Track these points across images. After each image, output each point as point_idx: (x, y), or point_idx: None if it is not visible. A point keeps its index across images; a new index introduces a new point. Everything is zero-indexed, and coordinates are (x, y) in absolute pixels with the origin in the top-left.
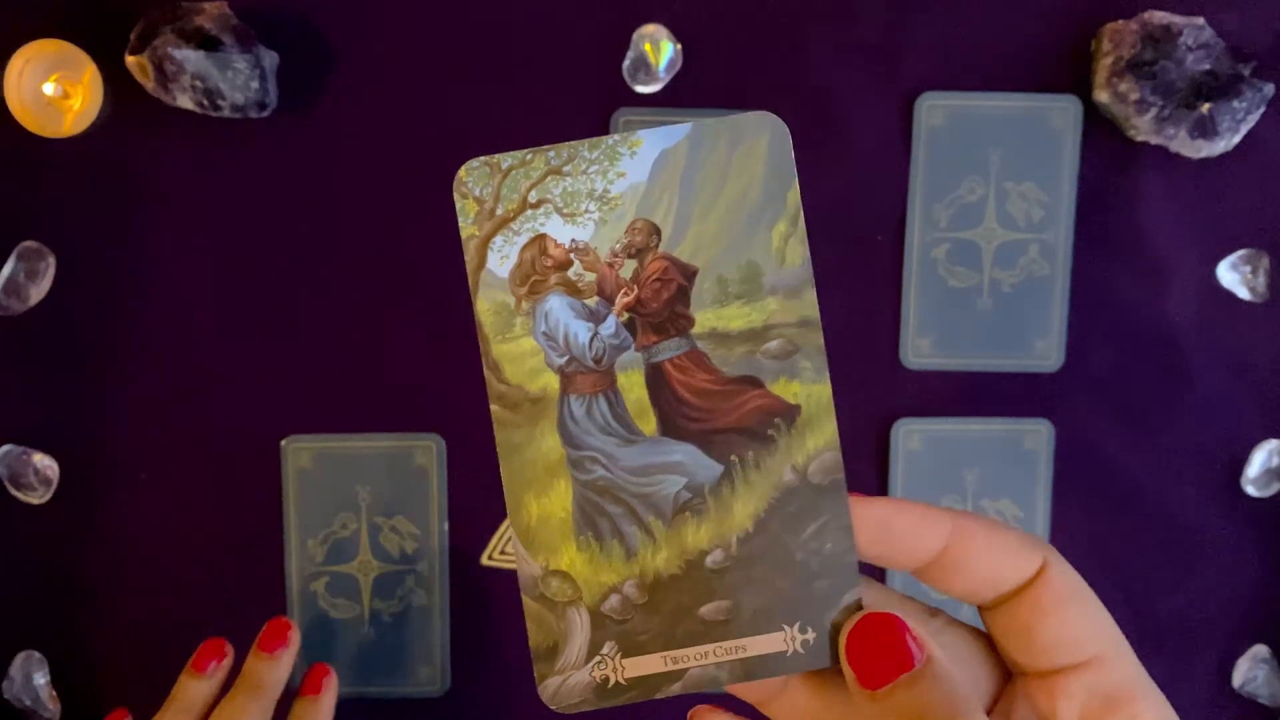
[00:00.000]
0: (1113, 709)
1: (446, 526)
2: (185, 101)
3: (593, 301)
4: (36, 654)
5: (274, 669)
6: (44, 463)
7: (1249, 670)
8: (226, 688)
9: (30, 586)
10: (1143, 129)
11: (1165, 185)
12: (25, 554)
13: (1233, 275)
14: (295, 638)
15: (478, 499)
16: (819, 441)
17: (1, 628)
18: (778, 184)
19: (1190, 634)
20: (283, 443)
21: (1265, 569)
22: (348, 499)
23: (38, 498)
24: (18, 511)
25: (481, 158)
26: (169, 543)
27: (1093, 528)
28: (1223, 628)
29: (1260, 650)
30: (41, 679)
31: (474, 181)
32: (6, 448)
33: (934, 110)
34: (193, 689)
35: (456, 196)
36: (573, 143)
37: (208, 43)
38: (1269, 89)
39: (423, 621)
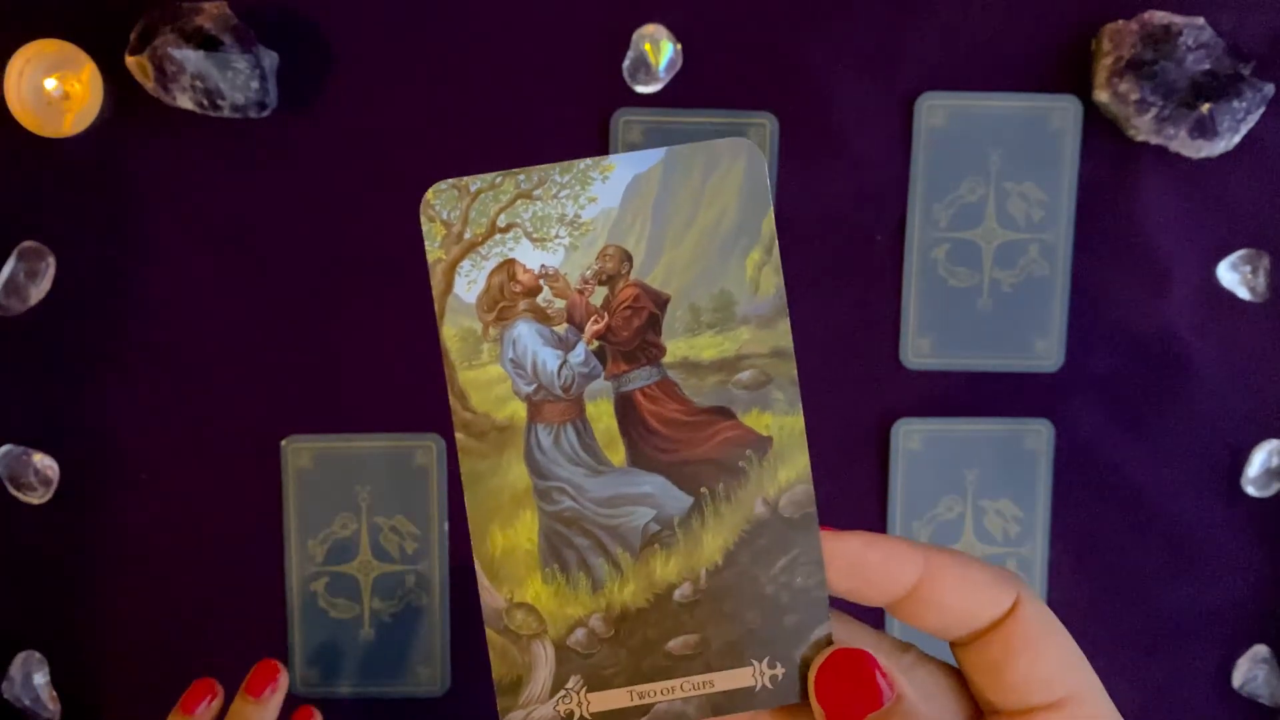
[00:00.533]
0: None
1: (446, 526)
2: (185, 101)
3: (562, 329)
4: (36, 654)
5: (260, 712)
6: (44, 463)
7: (1249, 670)
8: None
9: (30, 586)
10: (1143, 129)
11: (1165, 185)
12: (25, 554)
13: (1233, 275)
14: (284, 680)
15: None
16: (790, 474)
17: (1, 628)
18: (752, 211)
19: (1190, 634)
20: (283, 443)
21: (1265, 569)
22: (348, 499)
23: (38, 498)
24: (18, 511)
25: (449, 180)
26: (169, 543)
27: (1093, 528)
28: (1223, 628)
29: (1260, 650)
30: (41, 679)
31: (441, 204)
32: (6, 448)
33: (934, 110)
34: None
35: (423, 219)
36: (543, 166)
37: (208, 43)
38: (1269, 89)
39: (423, 621)
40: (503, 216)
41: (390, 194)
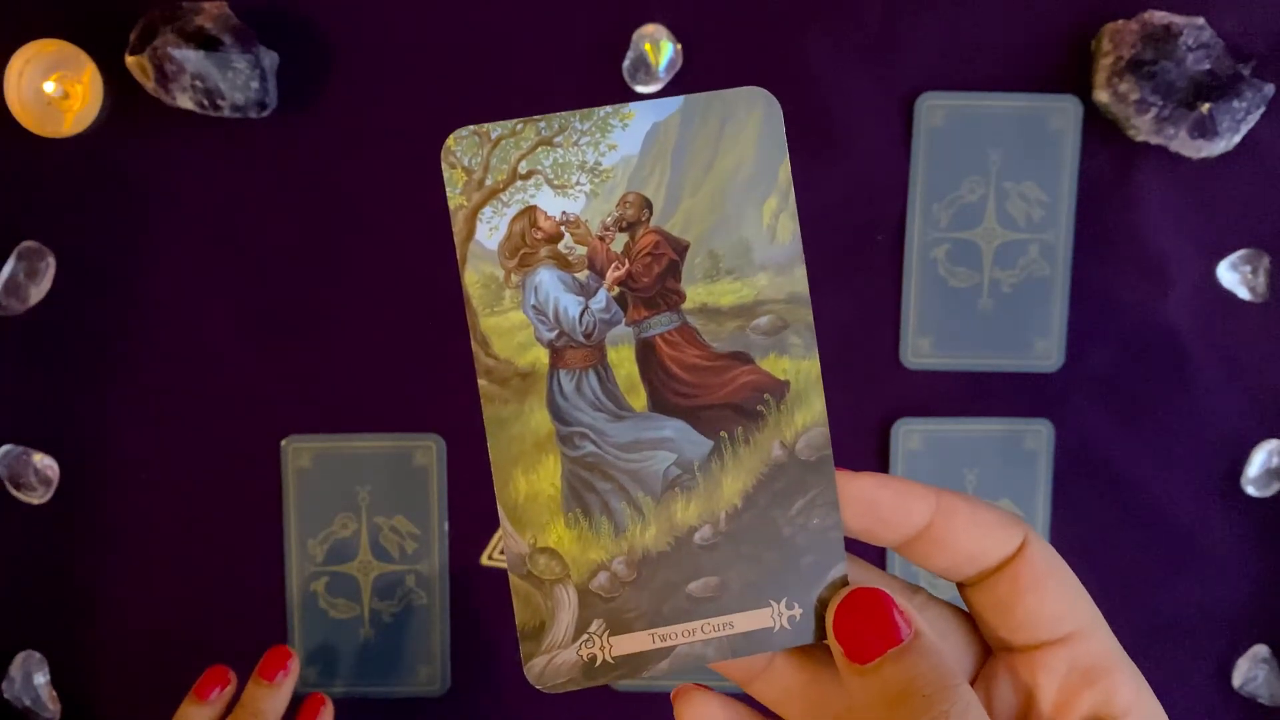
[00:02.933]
0: (1091, 682)
1: (446, 526)
2: (185, 101)
3: (583, 275)
4: (36, 654)
5: (273, 696)
6: (44, 463)
7: (1249, 670)
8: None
9: (30, 586)
10: (1143, 129)
11: (1165, 185)
12: (25, 554)
13: (1233, 275)
14: (295, 666)
15: (478, 499)
16: (807, 418)
17: (1, 628)
18: (769, 159)
19: (1190, 634)
20: (283, 443)
21: (1265, 569)
22: (348, 499)
23: (38, 498)
24: (18, 511)
25: (470, 126)
26: (169, 543)
27: (1093, 528)
28: (1223, 628)
29: (1260, 650)
30: (41, 679)
31: (462, 151)
32: (6, 448)
33: (934, 110)
34: (194, 715)
35: (445, 166)
36: (564, 113)
37: (208, 43)
38: (1269, 89)
39: (423, 621)
40: (524, 163)
41: (389, 194)
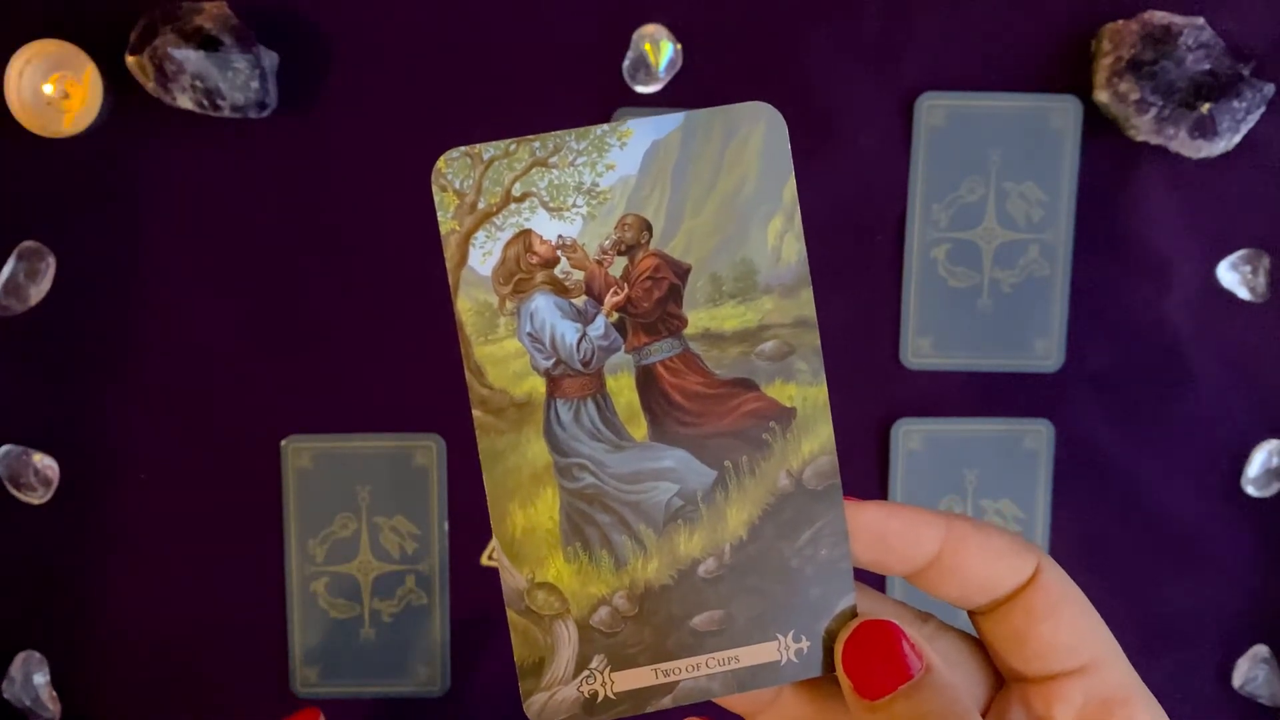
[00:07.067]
0: (1109, 713)
1: (446, 526)
2: (185, 101)
3: (581, 301)
4: (36, 654)
5: None
6: (44, 463)
7: (1249, 670)
8: None
9: (30, 586)
10: (1143, 129)
11: (1165, 185)
12: (25, 554)
13: (1233, 275)
14: None
15: (478, 499)
16: (814, 445)
17: (1, 628)
18: (773, 177)
19: (1190, 634)
20: (283, 443)
21: (1265, 569)
22: (348, 499)
23: (38, 498)
24: (18, 511)
25: (461, 148)
26: (169, 543)
27: (1093, 528)
28: (1223, 628)
29: (1260, 650)
30: (41, 679)
31: (454, 173)
32: (6, 448)
33: (934, 110)
34: None
35: (435, 189)
36: (559, 133)
37: (208, 43)
38: (1269, 89)
39: (423, 621)
40: (518, 185)
41: (389, 194)
